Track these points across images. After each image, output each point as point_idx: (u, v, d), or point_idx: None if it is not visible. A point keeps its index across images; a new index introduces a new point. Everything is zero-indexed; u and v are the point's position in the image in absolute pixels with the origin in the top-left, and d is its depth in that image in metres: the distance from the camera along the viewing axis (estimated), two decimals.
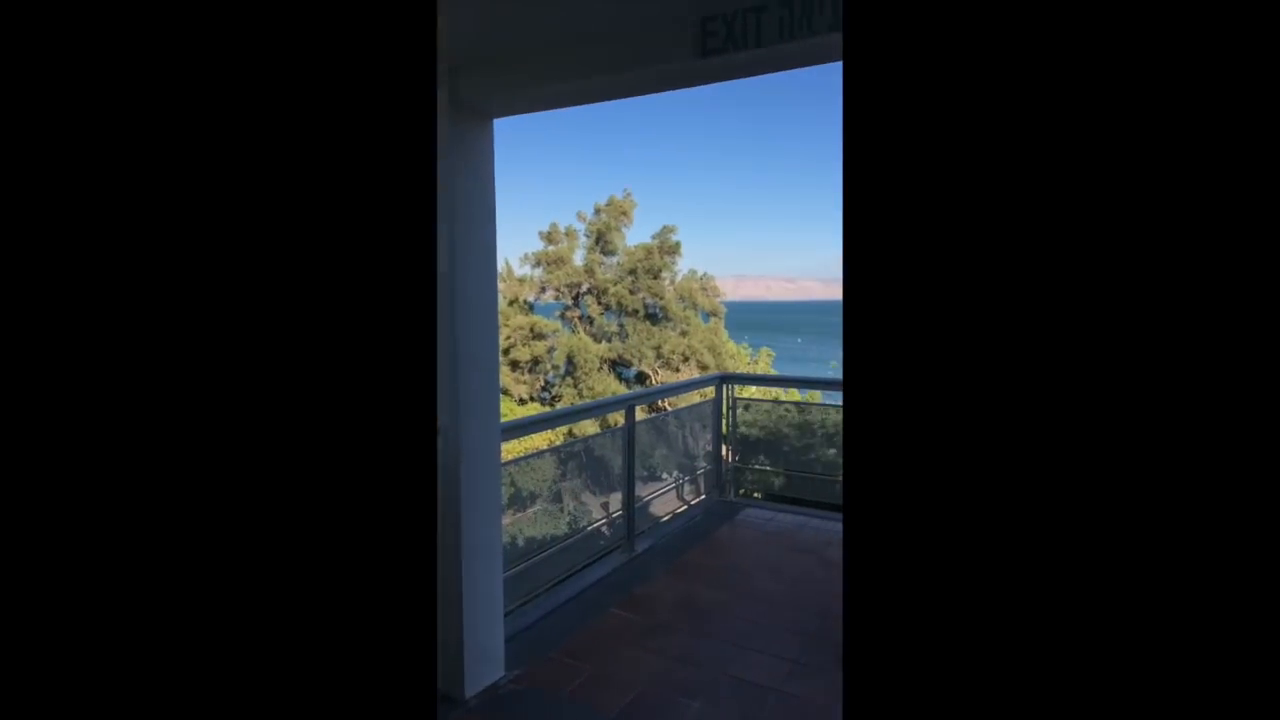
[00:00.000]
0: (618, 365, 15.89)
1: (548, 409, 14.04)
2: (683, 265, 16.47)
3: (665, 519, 4.25)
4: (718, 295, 16.64)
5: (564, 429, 9.89)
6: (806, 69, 2.89)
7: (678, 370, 15.22)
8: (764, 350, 16.46)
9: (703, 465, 4.72)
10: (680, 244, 16.28)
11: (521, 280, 16.44)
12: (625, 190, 16.55)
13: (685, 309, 16.04)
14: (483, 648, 2.46)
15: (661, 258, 16.08)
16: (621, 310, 16.09)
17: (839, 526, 4.00)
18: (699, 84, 3.17)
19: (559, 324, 16.46)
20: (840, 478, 5.82)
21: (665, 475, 4.40)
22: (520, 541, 3.21)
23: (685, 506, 4.47)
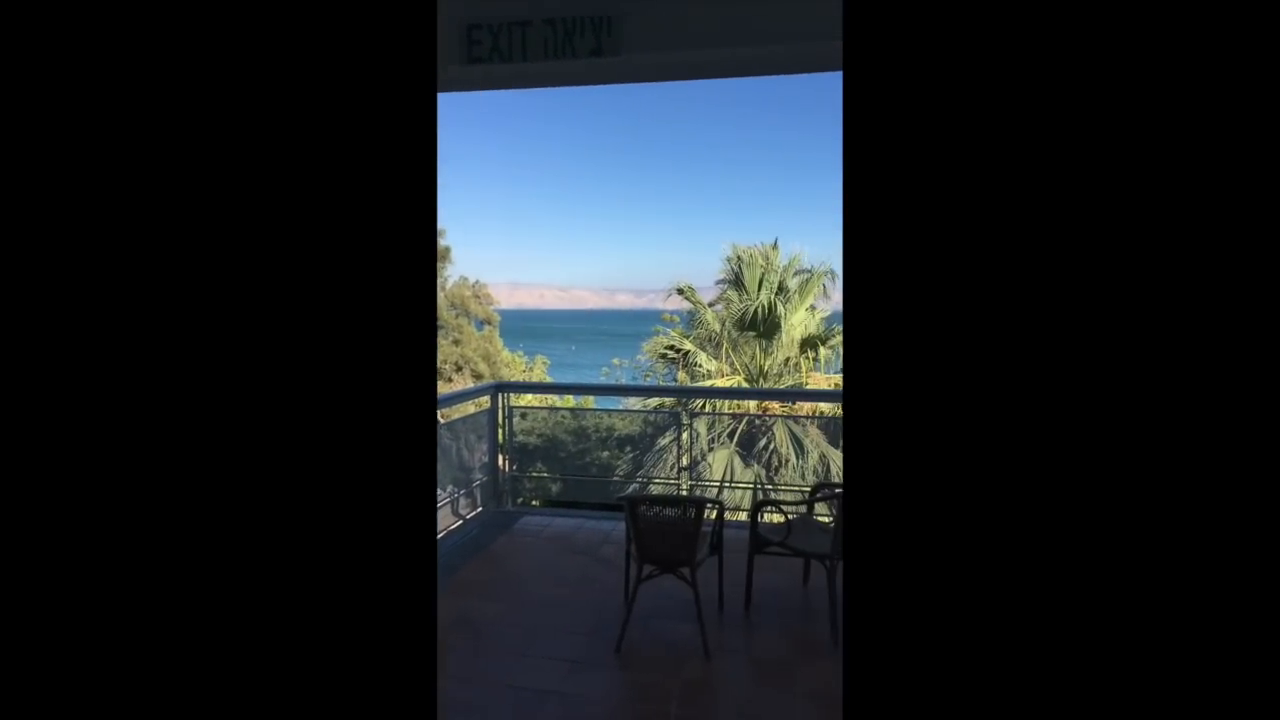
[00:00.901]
0: None
1: None
2: (453, 271, 15.94)
3: (439, 536, 4.08)
4: (491, 303, 16.40)
5: None
6: (573, 88, 3.01)
7: (451, 380, 14.66)
8: (539, 358, 16.60)
9: (479, 477, 4.62)
10: (451, 249, 15.74)
11: None
12: None
13: (458, 317, 15.53)
14: None
15: None
16: None
17: (612, 525, 4.19)
18: (468, 90, 3.13)
19: None
20: (614, 477, 6.10)
21: (439, 491, 4.23)
22: None
23: (461, 522, 4.34)
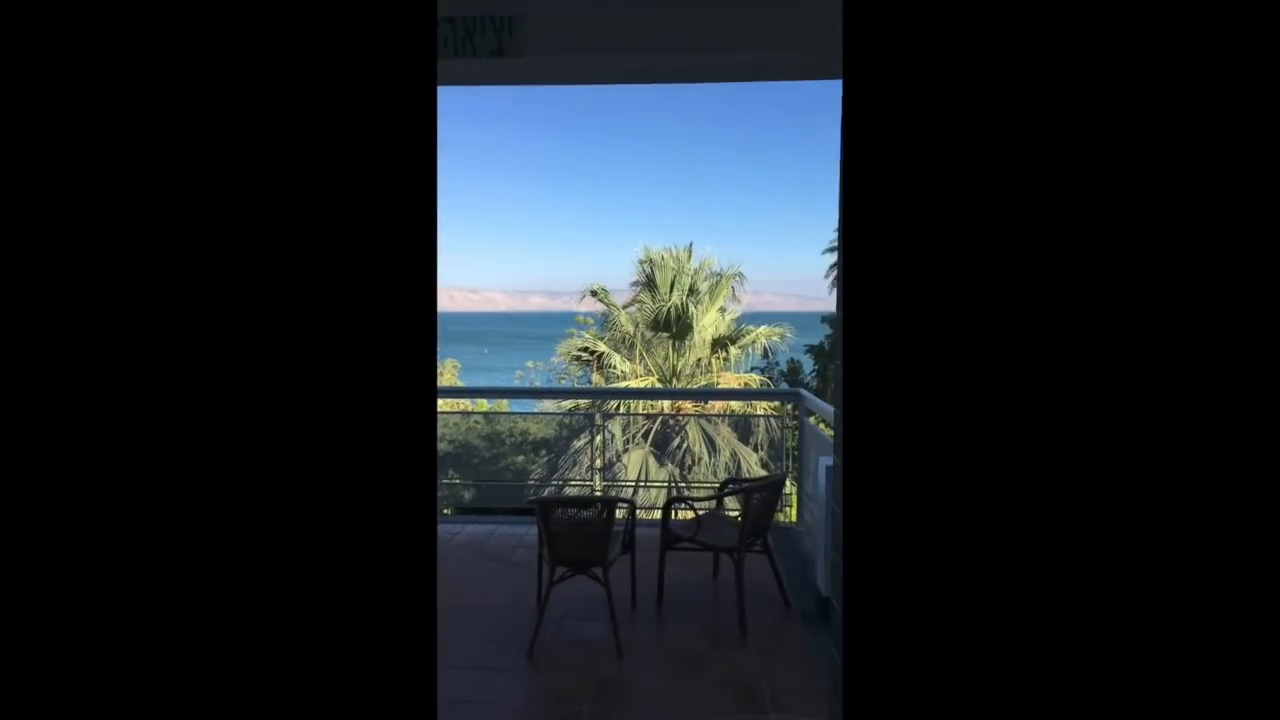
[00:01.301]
0: None
1: None
2: None
3: None
4: None
5: None
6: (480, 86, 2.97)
7: None
8: (450, 361, 16.16)
9: None
10: None
11: None
12: None
13: None
14: None
15: None
16: None
17: (525, 529, 4.14)
18: None
19: None
20: (529, 482, 6.03)
21: None
22: None
23: None
